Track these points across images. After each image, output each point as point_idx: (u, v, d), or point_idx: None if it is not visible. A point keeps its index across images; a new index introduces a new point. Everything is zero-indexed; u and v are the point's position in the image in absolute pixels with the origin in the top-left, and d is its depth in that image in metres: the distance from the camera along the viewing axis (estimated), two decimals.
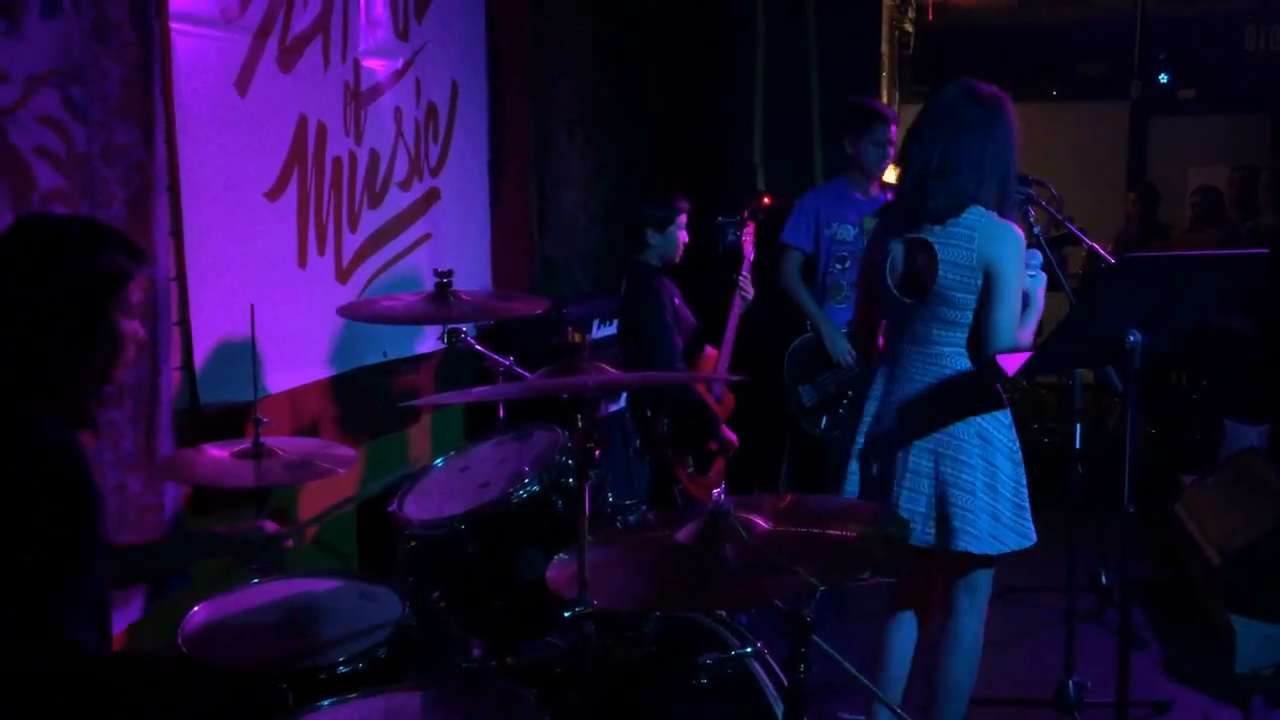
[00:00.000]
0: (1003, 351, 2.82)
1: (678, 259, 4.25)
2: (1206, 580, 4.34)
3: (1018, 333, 2.85)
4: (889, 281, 2.95)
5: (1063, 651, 3.70)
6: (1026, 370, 2.81)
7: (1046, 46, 10.69)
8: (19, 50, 2.61)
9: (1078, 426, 3.55)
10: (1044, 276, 3.04)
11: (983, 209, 2.86)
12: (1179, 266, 2.63)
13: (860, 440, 3.02)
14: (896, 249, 2.94)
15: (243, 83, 3.37)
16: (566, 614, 1.71)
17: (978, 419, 2.89)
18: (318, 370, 3.77)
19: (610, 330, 5.00)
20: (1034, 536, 2.96)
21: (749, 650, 2.35)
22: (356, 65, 3.93)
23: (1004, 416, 2.94)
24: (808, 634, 1.93)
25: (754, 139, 6.12)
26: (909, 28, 8.72)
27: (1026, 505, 2.95)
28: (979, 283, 2.83)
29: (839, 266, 4.69)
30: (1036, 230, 3.45)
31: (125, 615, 3.01)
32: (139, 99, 2.93)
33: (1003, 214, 2.89)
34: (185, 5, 3.11)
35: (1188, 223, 7.48)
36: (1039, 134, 9.12)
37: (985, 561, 2.98)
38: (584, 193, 5.76)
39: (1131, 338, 2.64)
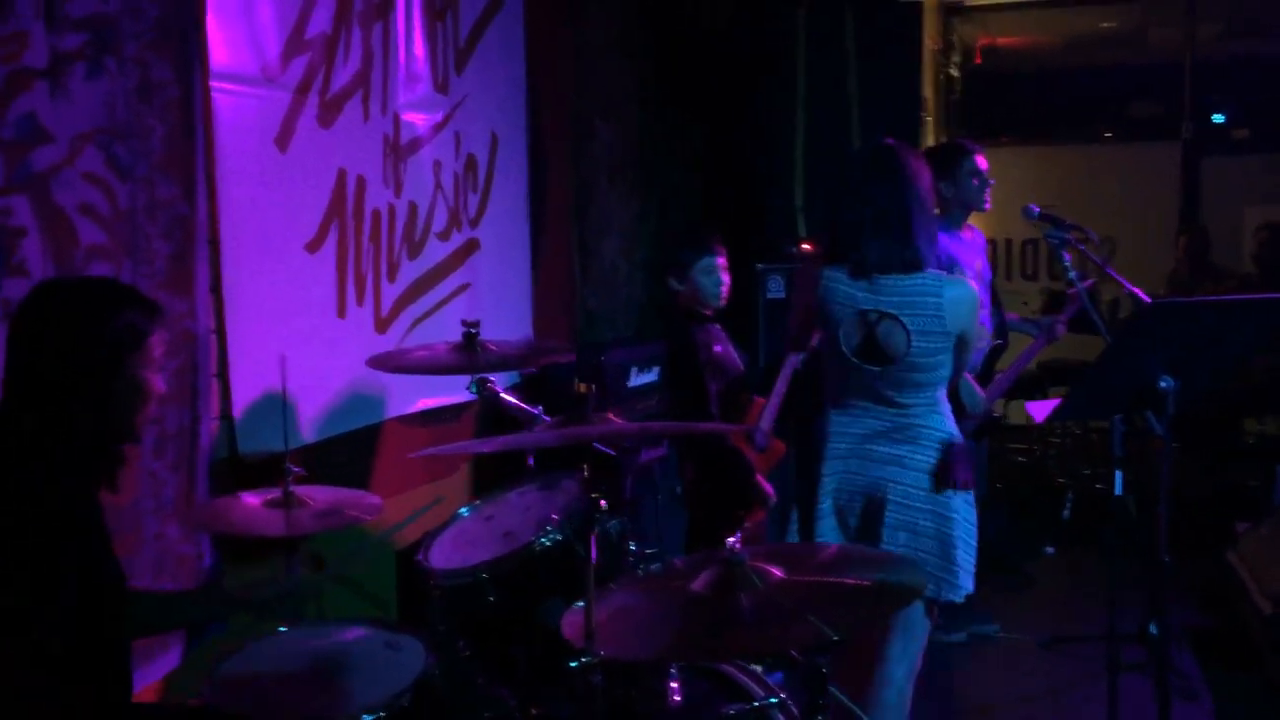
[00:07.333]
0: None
1: (719, 302, 4.21)
2: (1260, 629, 4.24)
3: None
4: (845, 348, 2.96)
5: (1106, 703, 3.62)
6: (1056, 415, 2.80)
7: (1096, 88, 10.64)
8: (64, 111, 2.70)
9: (1118, 473, 3.49)
10: None
11: (935, 272, 2.92)
12: (1207, 312, 2.60)
13: (830, 489, 3.03)
14: (850, 318, 2.94)
15: (283, 139, 3.45)
16: (572, 664, 1.72)
17: None
18: (357, 419, 3.81)
19: (650, 377, 5.01)
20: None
21: (773, 701, 2.33)
22: (396, 119, 4.00)
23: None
24: (824, 685, 1.92)
25: (795, 185, 6.15)
26: (954, 72, 8.73)
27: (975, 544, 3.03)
28: (951, 344, 2.91)
29: None
30: (1072, 275, 3.43)
31: (164, 662, 3.05)
32: (181, 156, 3.00)
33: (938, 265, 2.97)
34: (227, 65, 3.20)
35: (1255, 265, 7.40)
36: (1090, 176, 9.09)
37: (931, 607, 3.04)
38: (625, 240, 5.81)
39: (1163, 383, 2.61)
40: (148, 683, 3.00)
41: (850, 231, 2.94)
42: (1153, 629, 4.39)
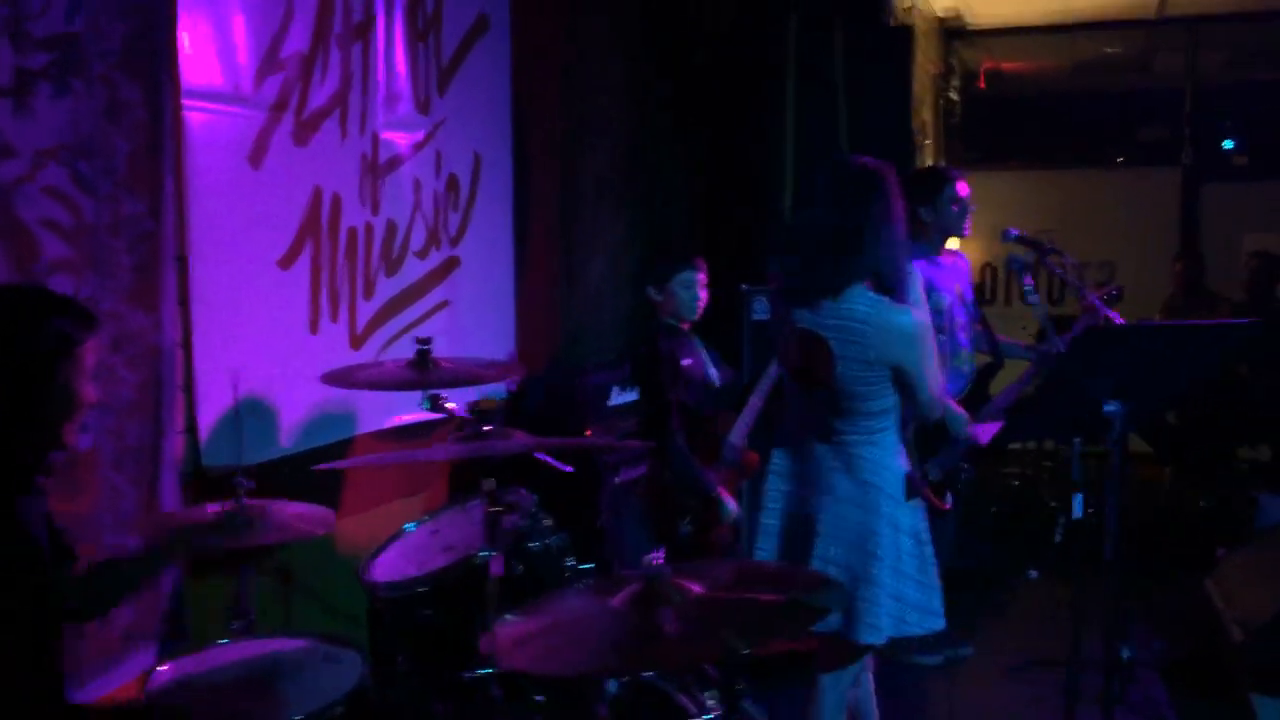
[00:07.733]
0: (936, 404, 2.86)
1: (694, 315, 4.21)
2: (1230, 657, 4.22)
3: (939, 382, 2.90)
4: (783, 368, 2.94)
5: None
6: (998, 440, 2.81)
7: (1100, 113, 10.66)
8: (27, 127, 2.74)
9: (1078, 496, 3.47)
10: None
11: (869, 294, 2.82)
12: (1146, 337, 2.61)
13: (775, 510, 3.01)
14: (789, 338, 2.91)
15: (256, 156, 3.49)
16: (465, 675, 1.74)
17: (889, 509, 2.86)
18: (329, 434, 3.84)
19: (631, 397, 5.02)
20: (943, 618, 2.92)
21: (707, 718, 2.35)
22: (375, 138, 4.04)
23: (915, 501, 2.93)
24: (738, 700, 1.94)
25: (784, 205, 6.17)
26: (954, 96, 8.75)
27: (934, 583, 2.92)
28: (885, 374, 2.81)
29: (942, 337, 4.57)
30: (1033, 300, 3.43)
31: (136, 663, 3.06)
32: (147, 173, 3.05)
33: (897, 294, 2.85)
34: (199, 83, 3.24)
35: (1246, 292, 7.39)
36: (1092, 200, 9.10)
37: (865, 647, 2.96)
38: (612, 258, 5.83)
39: (1109, 407, 2.62)
40: (122, 683, 3.02)
41: (805, 250, 2.93)
42: (1124, 653, 4.42)
